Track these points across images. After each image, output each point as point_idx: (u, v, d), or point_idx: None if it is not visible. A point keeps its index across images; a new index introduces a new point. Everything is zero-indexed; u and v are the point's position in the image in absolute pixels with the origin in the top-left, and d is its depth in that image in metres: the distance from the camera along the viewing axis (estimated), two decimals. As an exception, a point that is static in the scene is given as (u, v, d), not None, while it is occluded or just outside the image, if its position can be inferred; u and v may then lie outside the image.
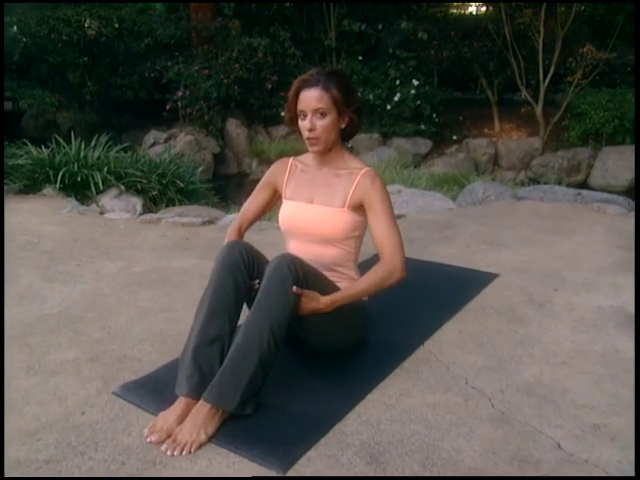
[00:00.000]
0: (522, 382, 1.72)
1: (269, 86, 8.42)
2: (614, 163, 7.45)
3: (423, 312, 2.19)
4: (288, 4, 9.22)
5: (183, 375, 1.54)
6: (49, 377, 1.76)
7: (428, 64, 8.88)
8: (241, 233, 1.87)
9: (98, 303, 2.34)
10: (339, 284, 1.74)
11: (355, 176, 1.72)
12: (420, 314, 2.17)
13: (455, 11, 10.04)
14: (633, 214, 3.66)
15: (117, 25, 8.31)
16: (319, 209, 1.74)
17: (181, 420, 1.48)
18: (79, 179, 4.31)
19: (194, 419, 1.46)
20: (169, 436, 1.45)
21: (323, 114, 1.63)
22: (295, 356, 1.84)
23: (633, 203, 4.00)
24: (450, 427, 1.50)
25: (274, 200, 1.91)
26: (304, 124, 1.65)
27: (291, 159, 1.87)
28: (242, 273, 1.62)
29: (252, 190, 1.95)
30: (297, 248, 1.78)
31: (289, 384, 1.70)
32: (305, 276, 1.59)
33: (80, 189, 4.33)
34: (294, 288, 1.55)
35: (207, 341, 1.54)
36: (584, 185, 7.18)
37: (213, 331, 1.55)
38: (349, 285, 1.73)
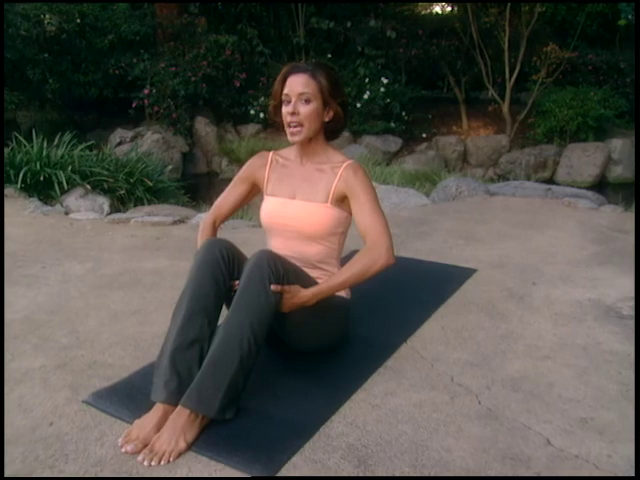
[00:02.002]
0: (507, 377, 1.69)
1: (237, 84, 8.31)
2: (579, 160, 7.60)
3: (404, 309, 2.16)
4: (255, 3, 9.11)
5: (160, 380, 1.46)
6: (14, 386, 1.66)
7: (397, 62, 8.91)
8: (215, 228, 1.80)
9: (65, 307, 2.22)
10: (320, 281, 1.68)
11: (337, 169, 1.67)
12: (401, 311, 2.14)
13: (424, 12, 10.12)
14: (603, 209, 3.71)
15: (79, 21, 8.07)
16: (302, 205, 1.68)
17: (159, 428, 1.41)
18: (42, 178, 4.14)
19: (172, 426, 1.39)
20: (146, 445, 1.37)
21: (308, 100, 1.58)
22: (275, 357, 1.78)
23: (602, 198, 4.07)
24: (438, 426, 1.46)
25: (251, 195, 1.84)
26: (287, 108, 1.60)
27: (271, 153, 1.80)
28: (222, 272, 1.54)
29: (222, 189, 1.88)
30: (280, 245, 1.72)
31: (270, 386, 1.64)
32: (286, 273, 1.53)
33: (43, 189, 4.16)
34: (273, 286, 1.49)
35: (185, 344, 1.47)
36: (550, 181, 7.28)
37: (192, 333, 1.47)
38: (331, 276, 1.67)
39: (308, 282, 1.63)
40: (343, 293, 1.75)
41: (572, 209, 3.72)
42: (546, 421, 1.48)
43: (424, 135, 8.55)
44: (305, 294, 1.56)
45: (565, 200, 3.82)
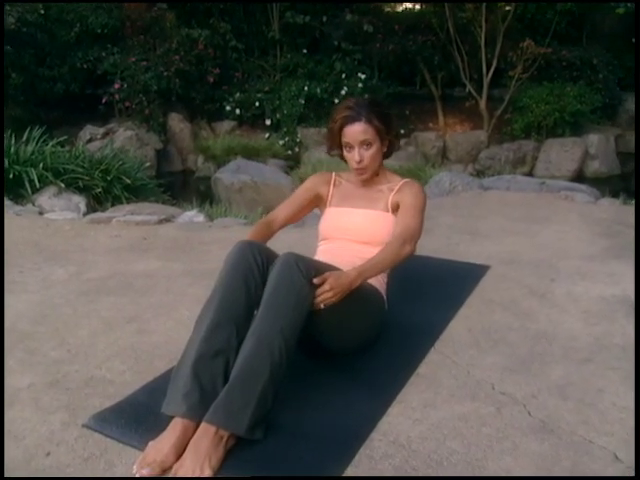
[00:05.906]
0: (552, 384, 1.56)
1: (211, 79, 8.06)
2: (557, 155, 7.63)
3: (426, 310, 2.01)
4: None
5: (178, 392, 1.29)
6: (0, 410, 1.44)
7: (373, 58, 8.79)
8: (271, 229, 1.75)
9: (51, 315, 2.00)
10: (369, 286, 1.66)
11: (395, 185, 1.81)
12: (423, 312, 1.99)
13: (400, 8, 10.03)
14: (601, 202, 3.66)
15: (42, 12, 7.68)
16: (364, 212, 1.79)
17: (178, 448, 1.23)
18: (11, 176, 3.85)
19: (195, 449, 1.21)
20: (164, 469, 1.20)
21: (369, 145, 1.71)
22: (300, 364, 1.60)
23: (597, 191, 4.02)
24: (491, 442, 1.32)
25: (311, 205, 1.90)
26: (352, 156, 1.72)
27: (333, 174, 1.93)
28: (255, 278, 1.39)
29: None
30: (337, 251, 1.75)
31: (297, 399, 1.46)
32: (317, 272, 1.41)
33: (12, 187, 3.86)
34: (315, 279, 1.38)
35: (210, 354, 1.30)
36: (530, 176, 7.26)
37: (217, 343, 1.31)
38: (367, 260, 1.59)
39: None
40: (377, 285, 1.70)
41: (570, 203, 3.64)
42: (607, 433, 1.34)
43: (402, 131, 8.45)
44: (351, 273, 1.47)
45: (562, 194, 3.75)
